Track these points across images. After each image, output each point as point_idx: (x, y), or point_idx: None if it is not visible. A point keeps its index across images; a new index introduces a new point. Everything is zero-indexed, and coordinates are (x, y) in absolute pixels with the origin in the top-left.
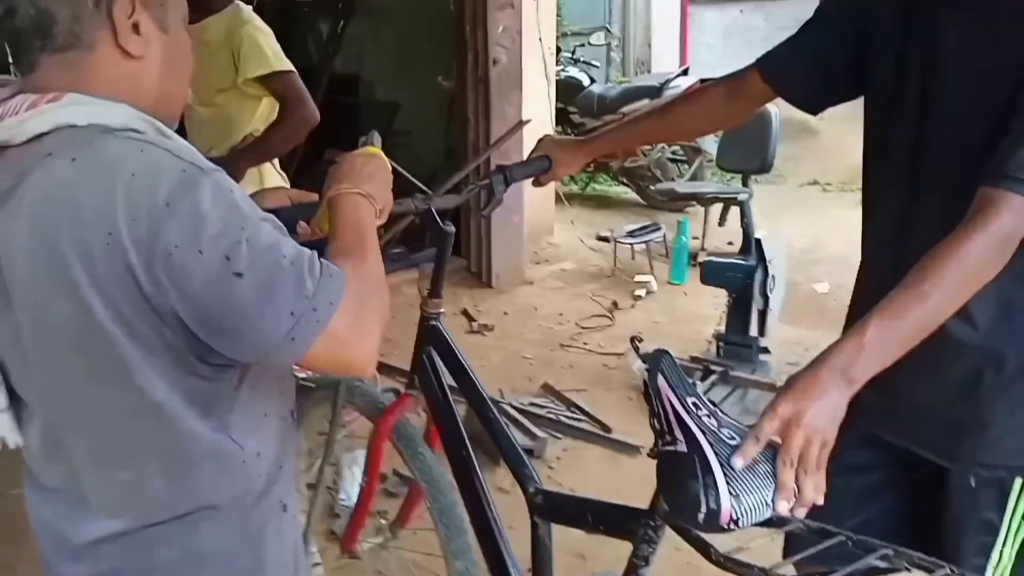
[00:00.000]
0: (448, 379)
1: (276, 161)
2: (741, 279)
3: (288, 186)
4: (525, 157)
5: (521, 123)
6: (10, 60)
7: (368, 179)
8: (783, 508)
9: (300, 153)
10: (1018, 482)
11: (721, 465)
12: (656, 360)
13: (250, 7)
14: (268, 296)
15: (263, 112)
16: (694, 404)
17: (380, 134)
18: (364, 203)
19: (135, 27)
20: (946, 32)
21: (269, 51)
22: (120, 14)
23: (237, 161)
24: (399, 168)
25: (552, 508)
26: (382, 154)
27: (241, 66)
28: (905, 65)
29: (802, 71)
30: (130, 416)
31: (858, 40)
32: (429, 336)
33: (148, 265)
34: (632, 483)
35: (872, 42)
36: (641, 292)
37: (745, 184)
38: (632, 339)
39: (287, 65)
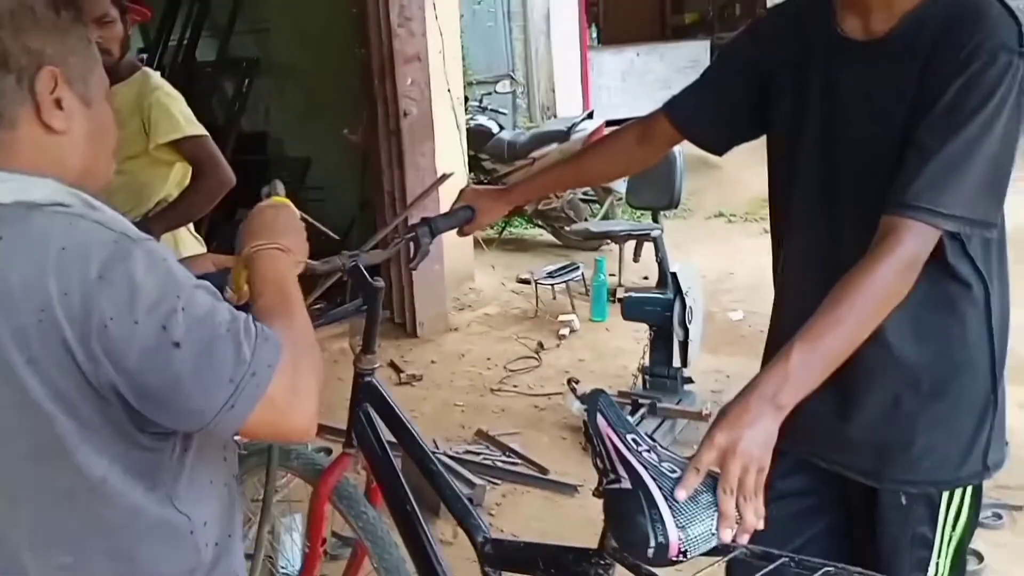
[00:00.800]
0: (386, 434)
1: (191, 225)
2: (660, 312)
3: (204, 249)
4: (441, 207)
5: (444, 176)
6: None
7: (282, 231)
8: (727, 535)
9: (211, 215)
10: (945, 496)
11: (665, 499)
12: (594, 400)
13: (158, 73)
14: (206, 364)
15: (175, 177)
16: (634, 441)
17: (293, 190)
18: (282, 257)
19: (58, 102)
20: (841, 74)
21: (180, 116)
22: (43, 89)
23: (151, 227)
24: (308, 218)
25: (502, 557)
26: (288, 202)
27: (152, 132)
28: (805, 105)
29: (707, 114)
30: (71, 495)
31: (759, 82)
32: (365, 392)
33: (84, 339)
34: (573, 523)
35: (773, 84)
36: (565, 331)
37: (655, 220)
38: (569, 380)
39: (199, 129)
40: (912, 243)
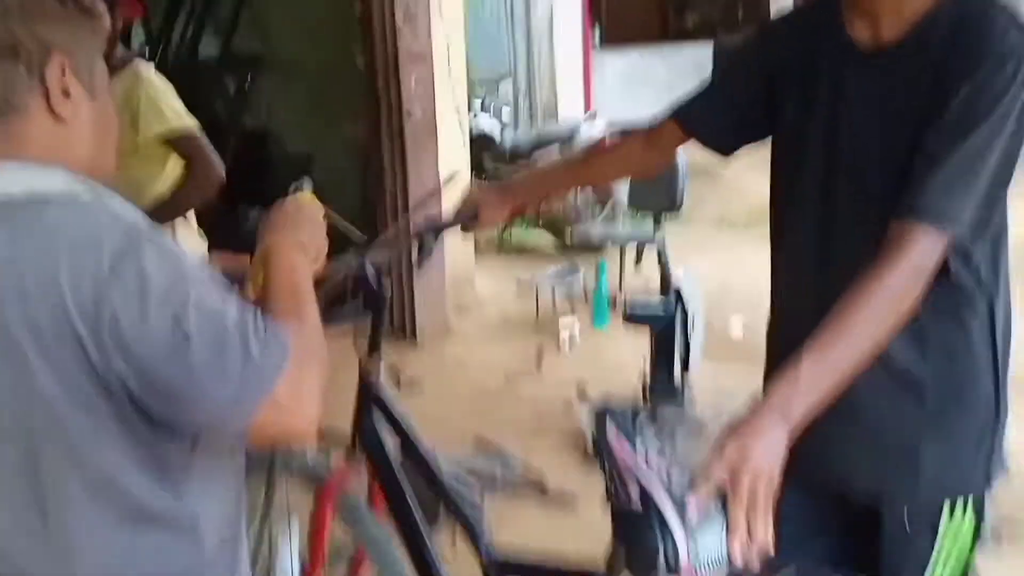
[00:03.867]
0: (391, 441)
1: (194, 221)
2: (663, 319)
3: (205, 240)
4: (444, 206)
5: (451, 176)
6: None
7: (301, 227)
8: (737, 550)
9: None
10: (946, 509)
11: (676, 516)
12: (603, 414)
13: (150, 65)
14: (217, 359)
15: (170, 173)
16: (644, 455)
17: (284, 201)
18: (299, 256)
19: (66, 92)
20: (849, 79)
21: (167, 109)
22: (52, 78)
23: None
24: (332, 214)
25: (507, 573)
26: (315, 199)
27: (142, 126)
28: (811, 109)
29: (715, 114)
30: (79, 488)
31: (767, 84)
32: (370, 398)
33: (95, 333)
34: (573, 534)
35: (780, 86)
36: (565, 336)
37: (657, 222)
38: (579, 391)
39: (188, 122)
40: (922, 249)
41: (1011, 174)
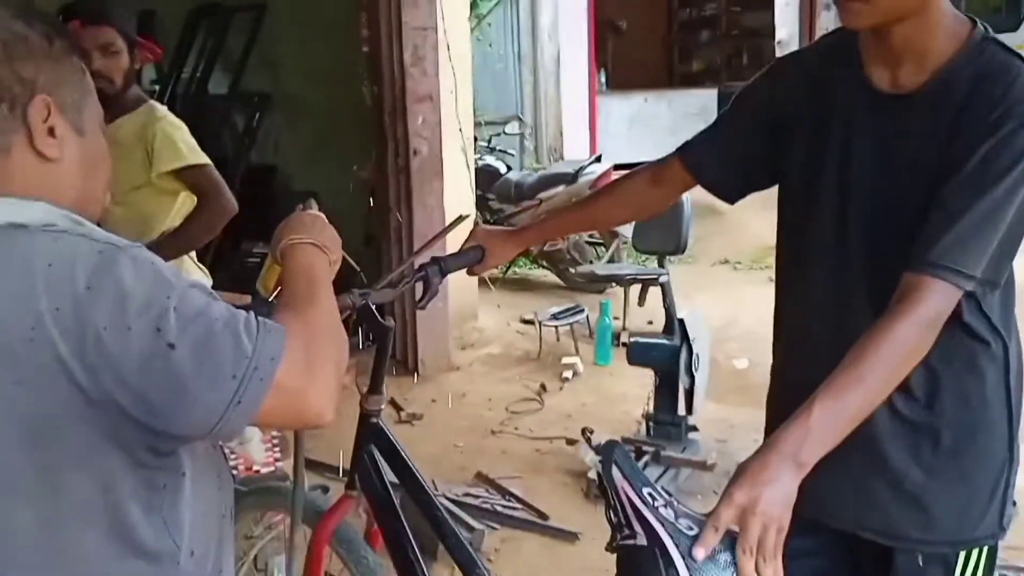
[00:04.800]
0: (390, 477)
1: (194, 255)
2: (667, 358)
3: (209, 279)
4: (449, 246)
5: (459, 218)
6: None
7: (320, 231)
8: None
9: (216, 245)
10: (962, 556)
11: (683, 557)
12: (609, 451)
13: (164, 106)
14: (206, 363)
15: (180, 208)
16: (650, 495)
17: (298, 212)
18: (317, 252)
19: (51, 131)
20: (865, 126)
21: (183, 145)
22: (35, 118)
23: (155, 254)
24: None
25: None
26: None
27: (155, 161)
28: (823, 154)
29: (721, 161)
30: (58, 517)
31: (775, 130)
32: (370, 434)
33: (80, 353)
34: (573, 571)
35: (789, 131)
36: (568, 374)
37: (661, 264)
38: (583, 430)
39: (202, 158)
40: (935, 301)
41: None
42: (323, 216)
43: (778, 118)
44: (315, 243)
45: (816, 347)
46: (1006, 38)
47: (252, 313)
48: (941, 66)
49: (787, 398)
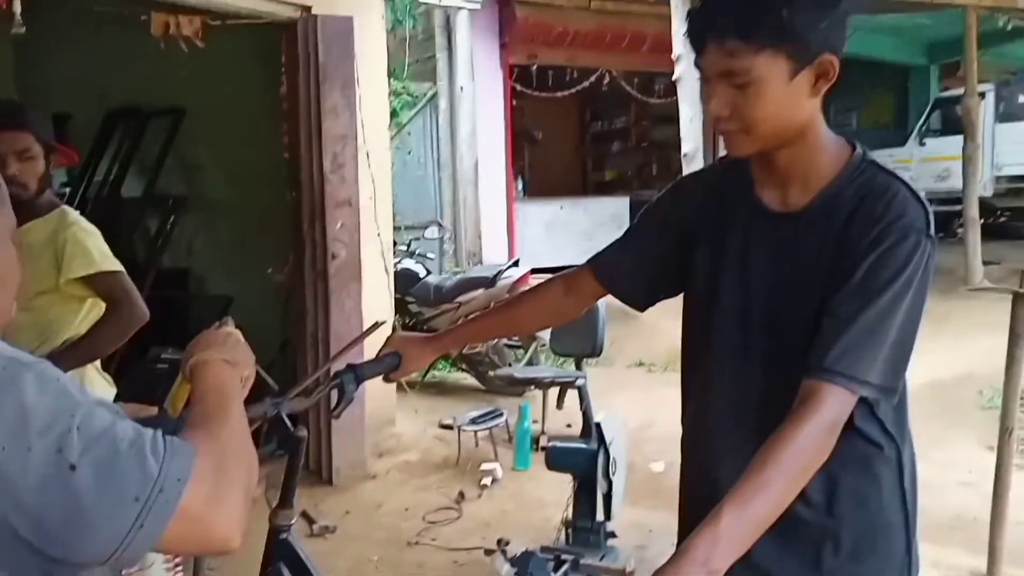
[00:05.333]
0: None
1: (98, 362)
2: (585, 463)
3: (113, 388)
4: (365, 352)
5: (375, 325)
6: None
7: (231, 347)
8: None
9: (122, 351)
10: None
11: None
12: (524, 564)
13: (76, 211)
14: (108, 484)
15: (86, 315)
16: None
17: (212, 329)
18: (228, 369)
19: None
20: (758, 242)
21: (95, 251)
22: None
23: (58, 362)
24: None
25: None
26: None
27: (64, 266)
28: (721, 268)
29: (629, 271)
30: None
31: (680, 241)
32: (280, 551)
33: None
34: None
35: (692, 244)
36: (487, 480)
37: (578, 367)
38: (499, 541)
39: (115, 264)
40: (832, 406)
41: (914, 336)
42: (237, 332)
43: (682, 231)
44: (227, 360)
45: (719, 452)
46: (894, 152)
47: (159, 432)
48: (825, 187)
49: (693, 501)
